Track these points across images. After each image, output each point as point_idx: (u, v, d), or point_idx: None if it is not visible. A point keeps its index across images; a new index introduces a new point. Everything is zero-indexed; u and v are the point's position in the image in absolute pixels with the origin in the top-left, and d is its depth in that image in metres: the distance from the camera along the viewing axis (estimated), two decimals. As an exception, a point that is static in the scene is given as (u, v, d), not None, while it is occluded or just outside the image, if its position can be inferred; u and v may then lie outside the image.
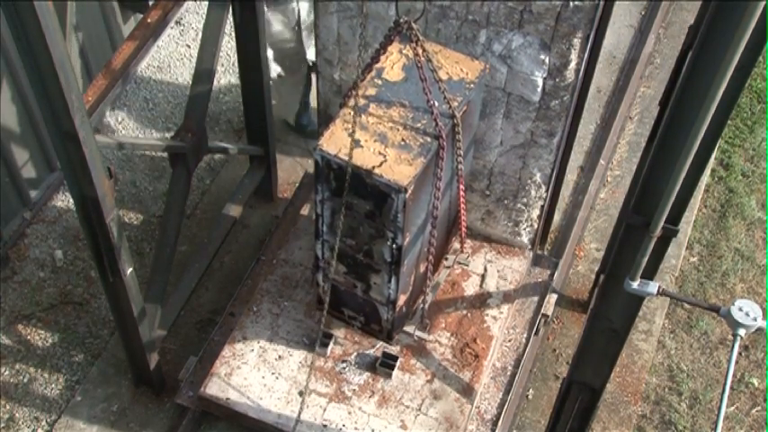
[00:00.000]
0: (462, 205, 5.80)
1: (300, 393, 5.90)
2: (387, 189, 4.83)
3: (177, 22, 8.72)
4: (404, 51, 5.23)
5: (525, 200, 6.49)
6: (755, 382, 7.10)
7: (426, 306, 6.05)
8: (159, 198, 7.67)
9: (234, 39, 6.67)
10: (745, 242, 7.81)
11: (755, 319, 4.07)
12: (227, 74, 8.48)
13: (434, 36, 5.63)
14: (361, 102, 5.06)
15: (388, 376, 6.12)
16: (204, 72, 6.06)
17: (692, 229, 7.83)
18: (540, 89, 5.67)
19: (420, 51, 4.82)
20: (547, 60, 5.48)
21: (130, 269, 5.55)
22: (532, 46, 5.45)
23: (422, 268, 5.73)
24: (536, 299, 6.67)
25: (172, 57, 8.54)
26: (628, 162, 8.10)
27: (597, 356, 5.04)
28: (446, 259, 6.44)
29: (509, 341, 6.46)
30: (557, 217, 7.28)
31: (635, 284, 4.29)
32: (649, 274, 4.29)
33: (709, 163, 8.00)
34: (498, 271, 6.63)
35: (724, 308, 4.17)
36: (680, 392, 7.01)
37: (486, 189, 6.53)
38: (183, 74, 8.41)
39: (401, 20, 4.72)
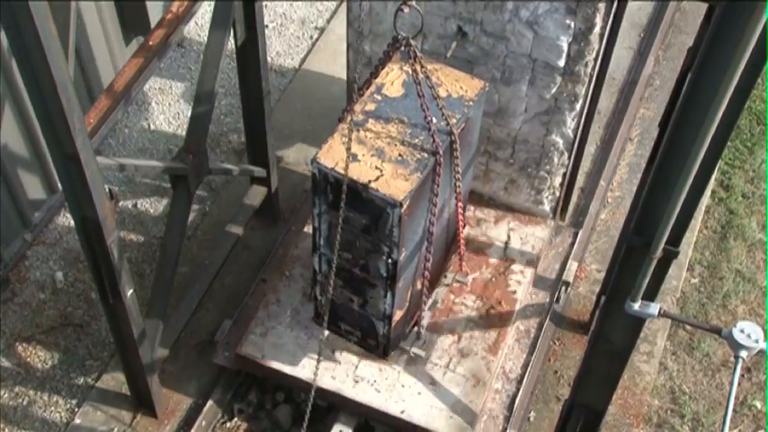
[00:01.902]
0: (461, 223, 5.80)
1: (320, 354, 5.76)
2: (382, 203, 4.84)
3: (179, 45, 8.77)
4: (404, 68, 5.25)
5: (548, 167, 6.67)
6: (758, 404, 7.06)
7: (424, 323, 6.04)
8: (160, 219, 7.67)
9: (235, 61, 6.70)
10: (747, 263, 7.80)
11: (757, 341, 4.06)
12: (228, 95, 8.51)
13: (463, 4, 5.76)
14: (360, 116, 5.08)
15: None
16: (205, 94, 6.09)
17: (692, 251, 7.82)
18: (564, 54, 5.84)
19: (418, 68, 4.84)
20: (572, 25, 5.64)
21: (131, 291, 5.54)
22: (558, 11, 5.61)
23: (419, 285, 5.73)
24: (557, 266, 6.95)
25: (173, 79, 8.58)
26: (628, 183, 8.10)
27: (599, 378, 5.03)
28: (445, 277, 6.45)
29: (531, 306, 6.72)
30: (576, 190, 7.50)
31: (636, 306, 4.28)
32: (650, 296, 4.28)
33: (710, 184, 8.01)
34: (521, 238, 6.87)
35: (725, 329, 4.16)
36: (682, 415, 6.98)
37: (510, 157, 6.74)
38: (185, 95, 8.44)
39: (399, 36, 4.74)
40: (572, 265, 7.00)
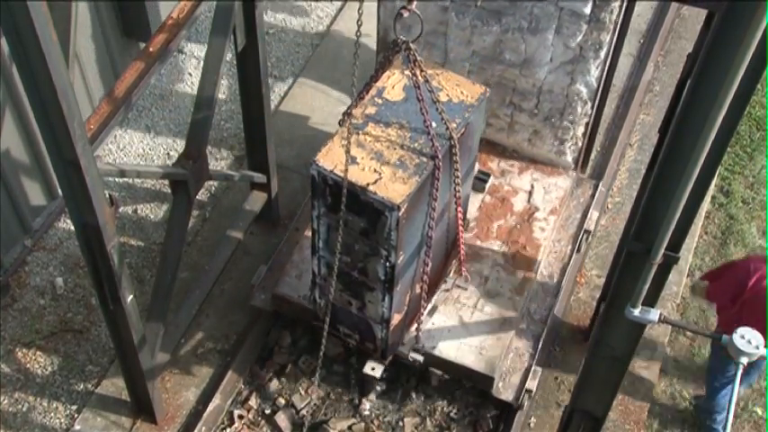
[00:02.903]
0: (460, 228, 5.80)
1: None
2: (380, 206, 4.84)
3: (179, 51, 8.78)
4: (406, 72, 5.25)
5: (571, 117, 6.85)
6: (759, 411, 7.05)
7: (422, 328, 6.04)
8: (160, 225, 7.67)
9: (235, 66, 6.71)
10: (747, 269, 7.79)
11: (757, 347, 4.06)
12: (228, 101, 8.52)
13: None
14: (361, 120, 5.09)
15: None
16: (205, 99, 6.09)
17: (693, 257, 7.81)
18: (591, 1, 5.96)
19: (418, 72, 4.84)
20: None
21: (131, 297, 5.54)
22: None
23: (418, 289, 5.73)
24: (578, 216, 7.18)
25: (174, 84, 8.59)
26: (628, 189, 8.10)
27: (599, 384, 5.02)
28: (445, 282, 6.45)
29: (555, 252, 6.96)
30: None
31: (636, 312, 4.28)
32: (650, 302, 4.28)
33: (710, 190, 8.01)
34: (544, 188, 7.17)
35: (726, 336, 4.16)
36: (683, 420, 6.97)
37: (535, 108, 6.90)
38: (185, 101, 8.45)
39: (399, 40, 4.74)
40: (593, 215, 7.28)
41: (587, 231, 7.16)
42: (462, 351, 6.30)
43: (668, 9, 9.20)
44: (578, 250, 7.16)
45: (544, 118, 6.96)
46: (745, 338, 4.07)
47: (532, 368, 6.40)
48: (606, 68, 6.51)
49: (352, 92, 4.72)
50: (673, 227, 3.79)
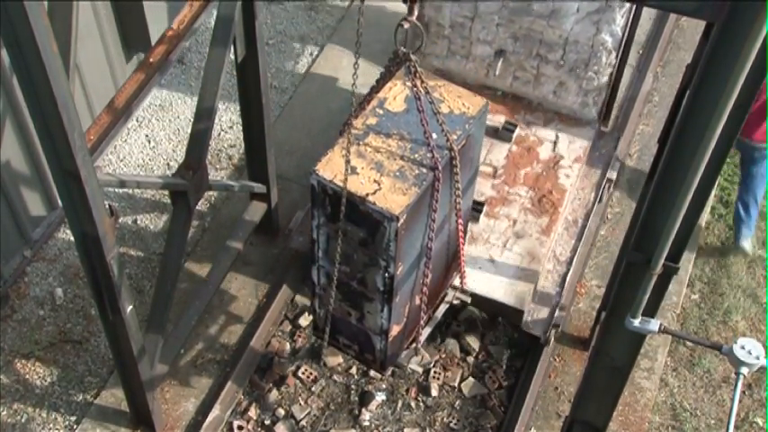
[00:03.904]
0: (461, 240, 5.79)
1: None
2: (379, 217, 4.84)
3: (179, 61, 8.80)
4: (407, 83, 5.25)
5: (596, 67, 7.10)
6: (759, 421, 7.04)
7: (421, 340, 6.02)
8: (160, 235, 7.67)
9: (235, 77, 6.72)
10: (747, 280, 7.80)
11: (758, 358, 4.06)
12: (228, 111, 8.54)
13: None
14: (361, 130, 5.09)
15: (476, 220, 6.90)
16: (205, 110, 6.10)
17: (692, 267, 7.82)
18: None
19: (419, 83, 4.84)
20: None
21: (130, 307, 5.54)
22: None
23: (417, 300, 5.72)
24: (601, 166, 7.52)
25: (174, 95, 8.61)
26: (627, 199, 8.11)
27: (599, 394, 5.02)
28: (446, 294, 6.44)
29: (579, 199, 7.31)
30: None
31: (636, 322, 4.28)
32: (650, 312, 4.28)
33: (709, 200, 8.01)
34: (568, 138, 7.49)
35: (726, 346, 4.16)
36: (683, 431, 6.95)
37: (561, 59, 7.14)
38: (185, 112, 8.46)
39: (400, 51, 4.74)
40: (615, 165, 7.60)
41: (610, 180, 7.50)
42: (493, 287, 6.63)
43: (667, 20, 9.23)
44: (601, 200, 7.49)
45: (569, 69, 7.21)
46: (746, 349, 4.07)
47: (559, 305, 6.70)
48: (631, 17, 6.73)
49: (352, 101, 4.72)
50: (672, 237, 3.79)
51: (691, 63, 5.37)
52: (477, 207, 6.91)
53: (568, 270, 6.91)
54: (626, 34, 6.91)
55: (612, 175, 7.54)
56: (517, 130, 7.42)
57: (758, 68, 3.20)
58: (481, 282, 6.65)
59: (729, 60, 3.21)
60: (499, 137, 7.38)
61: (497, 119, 7.47)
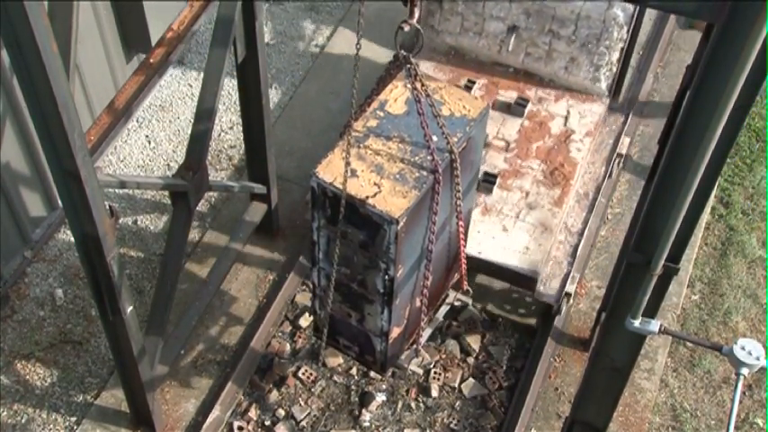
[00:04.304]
0: (462, 243, 5.78)
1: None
2: (379, 220, 4.83)
3: (179, 62, 8.80)
4: (409, 85, 5.24)
5: (607, 42, 7.26)
6: (759, 422, 7.04)
7: (421, 341, 6.02)
8: (160, 236, 7.67)
9: (236, 77, 6.73)
10: (747, 280, 7.79)
11: (758, 359, 4.06)
12: (228, 112, 8.54)
13: None
14: (362, 132, 5.08)
15: (489, 191, 7.07)
16: (206, 111, 6.10)
17: (693, 267, 7.81)
18: None
19: (419, 86, 4.84)
20: None
21: (131, 308, 5.54)
22: None
23: (417, 302, 5.71)
24: (611, 141, 7.65)
25: (174, 96, 8.60)
26: (628, 200, 8.11)
27: (599, 395, 5.02)
28: (447, 296, 6.44)
29: (589, 173, 7.45)
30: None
31: (636, 323, 4.28)
32: (651, 313, 4.28)
33: (709, 201, 8.01)
34: (579, 113, 7.63)
35: (726, 347, 4.16)
36: (683, 432, 6.96)
37: (573, 35, 7.30)
38: (185, 112, 8.46)
39: (400, 54, 4.74)
40: (624, 140, 7.74)
41: (620, 155, 7.65)
42: (507, 255, 6.79)
43: (667, 21, 9.22)
44: (610, 175, 7.63)
45: (581, 44, 7.37)
46: (746, 349, 4.07)
47: (571, 274, 6.84)
48: None
49: (352, 104, 4.72)
50: (673, 238, 3.79)
51: (691, 64, 5.37)
52: (490, 179, 7.13)
53: (579, 241, 7.07)
54: (637, 8, 7.07)
55: (622, 149, 7.70)
56: (529, 106, 7.60)
57: (758, 69, 3.20)
58: (495, 251, 6.82)
59: (729, 61, 3.21)
60: (512, 112, 7.56)
61: (509, 95, 7.69)
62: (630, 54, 7.63)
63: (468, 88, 7.63)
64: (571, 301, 7.08)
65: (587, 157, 7.46)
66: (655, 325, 4.28)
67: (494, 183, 7.09)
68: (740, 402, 7.08)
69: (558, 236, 7.02)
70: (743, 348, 4.07)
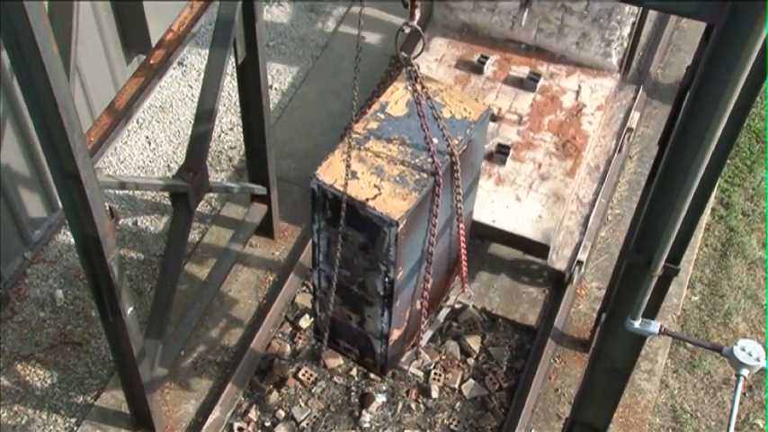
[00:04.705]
0: (463, 245, 5.78)
1: None
2: (379, 222, 4.84)
3: (180, 63, 8.81)
4: (410, 87, 5.24)
5: (619, 17, 7.44)
6: (760, 423, 7.04)
7: (422, 344, 6.02)
8: (160, 237, 7.67)
9: (236, 79, 6.73)
10: (747, 281, 7.79)
11: (758, 360, 4.05)
12: (228, 113, 8.54)
13: None
14: (362, 135, 5.08)
15: (503, 163, 7.27)
16: (206, 112, 6.10)
17: (693, 268, 7.81)
18: None
19: (419, 88, 4.84)
20: None
21: (131, 309, 5.54)
22: None
23: (418, 305, 5.71)
24: (622, 116, 7.87)
25: (174, 97, 8.61)
26: (628, 201, 8.11)
27: (600, 396, 5.02)
28: (447, 298, 6.44)
29: (600, 146, 7.67)
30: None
31: (637, 324, 4.28)
32: (651, 314, 4.28)
33: (709, 202, 8.01)
34: (590, 88, 7.85)
35: (726, 348, 4.16)
36: (684, 433, 6.96)
37: (585, 9, 7.48)
38: (185, 113, 8.46)
39: (401, 56, 4.74)
40: (635, 115, 7.98)
41: (630, 129, 7.85)
42: (520, 224, 6.99)
43: (667, 21, 9.23)
44: (620, 150, 7.84)
45: (593, 19, 7.54)
46: (746, 350, 4.06)
47: (582, 243, 7.10)
48: None
49: (353, 105, 4.72)
50: (673, 239, 3.79)
51: (691, 65, 5.37)
52: (503, 150, 7.32)
53: (591, 211, 7.29)
54: None
55: (633, 123, 7.88)
56: (541, 81, 7.79)
57: (758, 70, 3.20)
58: (509, 220, 7.02)
59: (729, 62, 3.21)
60: (524, 87, 7.76)
61: (522, 70, 7.90)
62: (641, 29, 7.78)
63: (481, 63, 7.88)
64: (582, 269, 7.36)
65: (598, 130, 7.66)
66: (655, 326, 4.28)
67: (507, 154, 7.29)
68: (740, 403, 7.08)
69: (569, 206, 7.24)
70: (743, 349, 4.07)
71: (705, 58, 3.38)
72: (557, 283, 7.41)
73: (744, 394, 7.16)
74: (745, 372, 4.07)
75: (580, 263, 7.13)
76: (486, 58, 7.89)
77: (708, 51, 3.36)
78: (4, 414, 6.71)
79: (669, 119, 5.49)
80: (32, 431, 6.66)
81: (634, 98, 8.01)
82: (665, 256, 3.89)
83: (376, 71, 8.02)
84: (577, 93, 7.80)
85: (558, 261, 7.07)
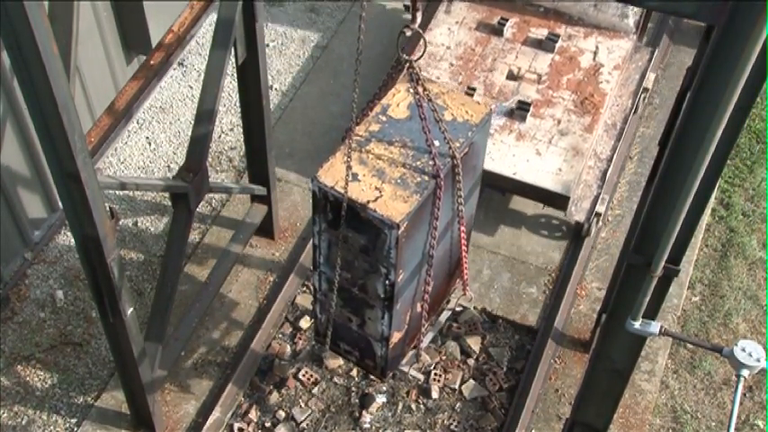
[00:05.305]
0: (464, 248, 5.77)
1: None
2: (380, 224, 4.83)
3: (180, 64, 8.81)
4: (411, 90, 5.23)
5: None
6: (760, 423, 7.04)
7: (422, 346, 6.02)
8: (161, 238, 7.67)
9: (236, 79, 6.73)
10: (747, 282, 7.79)
11: (758, 360, 4.05)
12: (228, 113, 8.54)
13: None
14: (364, 137, 5.08)
15: (523, 119, 7.55)
16: (206, 112, 6.10)
17: (693, 269, 7.81)
18: None
19: (421, 90, 4.84)
20: None
21: (131, 309, 5.54)
22: None
23: (418, 308, 5.71)
24: (637, 76, 8.15)
25: (174, 97, 8.61)
26: (628, 201, 8.11)
27: (600, 397, 5.02)
28: (448, 301, 6.43)
29: (617, 105, 7.92)
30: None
31: (637, 324, 4.28)
32: (651, 314, 4.28)
33: (710, 203, 8.01)
34: (608, 48, 8.15)
35: (727, 348, 4.16)
36: (684, 434, 6.95)
37: None
38: (186, 114, 8.46)
39: (403, 58, 4.73)
40: (650, 76, 8.27)
41: (646, 89, 8.15)
42: (540, 176, 7.26)
43: (668, 22, 9.23)
44: (636, 110, 8.06)
45: None
46: (746, 351, 4.06)
47: (600, 196, 7.41)
48: None
49: (353, 107, 4.71)
50: (673, 239, 3.79)
51: (691, 65, 5.37)
52: (524, 107, 7.59)
53: (608, 166, 7.56)
54: None
55: (649, 83, 8.15)
56: (559, 42, 8.06)
57: (758, 71, 3.20)
58: (530, 172, 7.28)
59: (730, 63, 3.21)
60: (543, 48, 8.05)
61: (540, 32, 8.18)
62: None
63: (500, 26, 8.17)
64: (600, 222, 7.69)
65: (615, 89, 7.89)
66: (655, 326, 4.28)
67: (527, 111, 7.54)
68: (740, 404, 7.08)
69: (587, 161, 7.49)
70: (743, 350, 4.07)
71: (705, 58, 3.38)
72: (575, 236, 7.77)
73: (744, 395, 7.16)
74: (745, 372, 4.07)
75: (598, 214, 7.41)
76: (506, 20, 8.20)
77: (708, 52, 3.36)
78: (5, 414, 6.71)
79: (669, 119, 5.49)
80: (32, 431, 6.67)
81: (649, 59, 8.27)
82: (665, 257, 3.89)
83: (377, 72, 8.05)
84: (595, 53, 8.08)
85: (578, 213, 7.37)
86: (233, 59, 6.25)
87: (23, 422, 6.69)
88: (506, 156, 7.36)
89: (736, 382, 4.09)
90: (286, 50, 9.12)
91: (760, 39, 2.96)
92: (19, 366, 6.94)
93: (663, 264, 3.93)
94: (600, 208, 7.43)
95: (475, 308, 7.34)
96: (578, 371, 7.07)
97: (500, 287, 7.50)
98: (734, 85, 3.08)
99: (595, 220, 7.49)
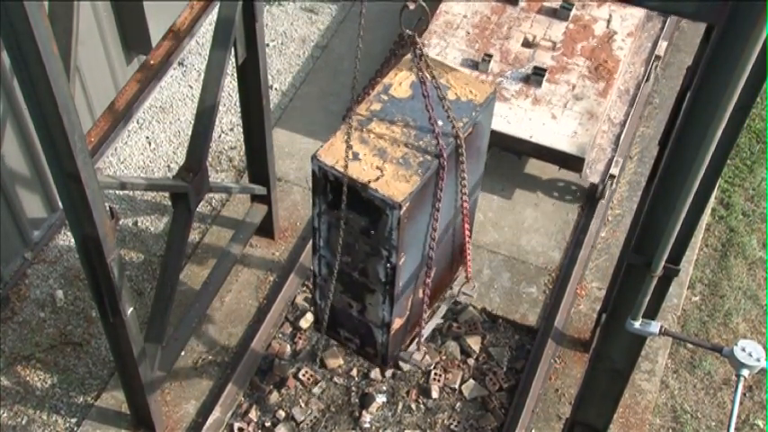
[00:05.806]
0: (467, 233, 5.67)
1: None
2: (381, 204, 4.73)
3: (180, 63, 8.81)
4: (414, 67, 5.15)
5: None
6: (760, 423, 7.04)
7: (424, 334, 5.95)
8: (160, 237, 7.67)
9: (236, 79, 6.73)
10: (747, 282, 7.79)
11: (759, 360, 4.05)
12: (228, 113, 8.54)
13: None
14: (365, 116, 4.99)
15: (539, 84, 7.79)
16: (206, 112, 6.10)
17: (693, 269, 7.81)
18: None
19: (424, 68, 4.75)
20: None
21: (131, 309, 5.54)
22: None
23: (420, 294, 5.63)
24: (650, 45, 8.48)
25: (174, 97, 8.61)
26: (628, 201, 8.11)
27: (600, 397, 5.02)
28: (450, 288, 6.35)
29: (630, 72, 8.23)
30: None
31: (637, 324, 4.28)
32: (651, 314, 4.28)
33: (710, 202, 8.01)
34: (621, 16, 8.39)
35: (727, 348, 4.16)
36: (684, 433, 6.95)
37: None
38: (186, 114, 8.46)
39: (405, 34, 4.64)
40: (662, 44, 8.56)
41: (658, 57, 8.44)
42: (555, 139, 7.50)
43: (667, 23, 9.23)
44: (648, 78, 8.31)
45: None
46: (746, 351, 4.06)
47: (614, 158, 7.71)
48: None
49: (353, 85, 4.62)
50: (673, 239, 3.79)
51: (691, 65, 5.37)
52: (539, 72, 7.83)
53: (622, 131, 7.85)
54: None
55: (661, 51, 8.41)
56: (573, 10, 8.27)
57: (758, 71, 3.20)
58: (546, 135, 7.52)
59: (730, 63, 3.21)
60: (557, 16, 8.29)
61: (555, 1, 8.40)
62: None
63: None
64: (614, 185, 7.96)
65: (628, 56, 8.14)
66: (655, 326, 4.28)
67: (543, 76, 7.76)
68: (740, 404, 7.08)
69: (602, 126, 7.74)
70: (743, 350, 4.07)
71: (705, 58, 3.38)
72: (588, 199, 8.01)
73: (744, 395, 7.16)
74: (745, 372, 4.07)
75: (612, 176, 7.65)
76: None
77: (708, 52, 3.36)
78: (5, 414, 6.71)
79: (669, 119, 5.49)
80: (33, 431, 6.66)
81: (662, 28, 8.54)
82: (665, 257, 3.89)
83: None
84: (608, 21, 8.28)
85: (592, 175, 7.62)
86: (233, 59, 6.25)
87: (23, 422, 6.69)
88: (523, 120, 7.59)
89: (736, 382, 4.09)
90: (286, 50, 9.12)
91: (760, 39, 2.96)
92: (19, 366, 6.94)
93: (663, 263, 3.93)
94: (614, 170, 7.67)
95: (475, 308, 7.34)
96: (578, 371, 7.07)
97: (500, 287, 7.50)
98: (734, 84, 3.08)
99: (609, 182, 7.71)
